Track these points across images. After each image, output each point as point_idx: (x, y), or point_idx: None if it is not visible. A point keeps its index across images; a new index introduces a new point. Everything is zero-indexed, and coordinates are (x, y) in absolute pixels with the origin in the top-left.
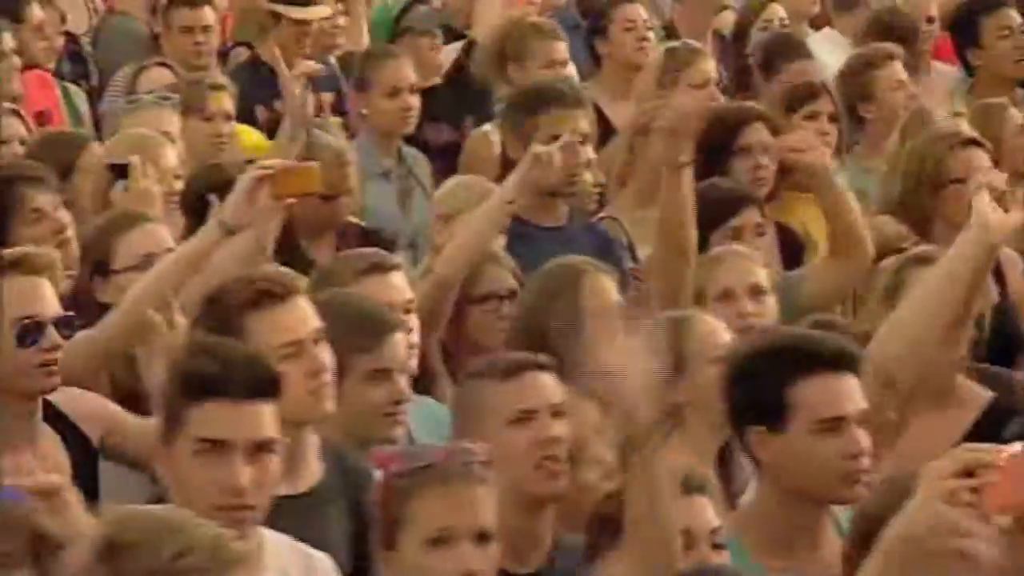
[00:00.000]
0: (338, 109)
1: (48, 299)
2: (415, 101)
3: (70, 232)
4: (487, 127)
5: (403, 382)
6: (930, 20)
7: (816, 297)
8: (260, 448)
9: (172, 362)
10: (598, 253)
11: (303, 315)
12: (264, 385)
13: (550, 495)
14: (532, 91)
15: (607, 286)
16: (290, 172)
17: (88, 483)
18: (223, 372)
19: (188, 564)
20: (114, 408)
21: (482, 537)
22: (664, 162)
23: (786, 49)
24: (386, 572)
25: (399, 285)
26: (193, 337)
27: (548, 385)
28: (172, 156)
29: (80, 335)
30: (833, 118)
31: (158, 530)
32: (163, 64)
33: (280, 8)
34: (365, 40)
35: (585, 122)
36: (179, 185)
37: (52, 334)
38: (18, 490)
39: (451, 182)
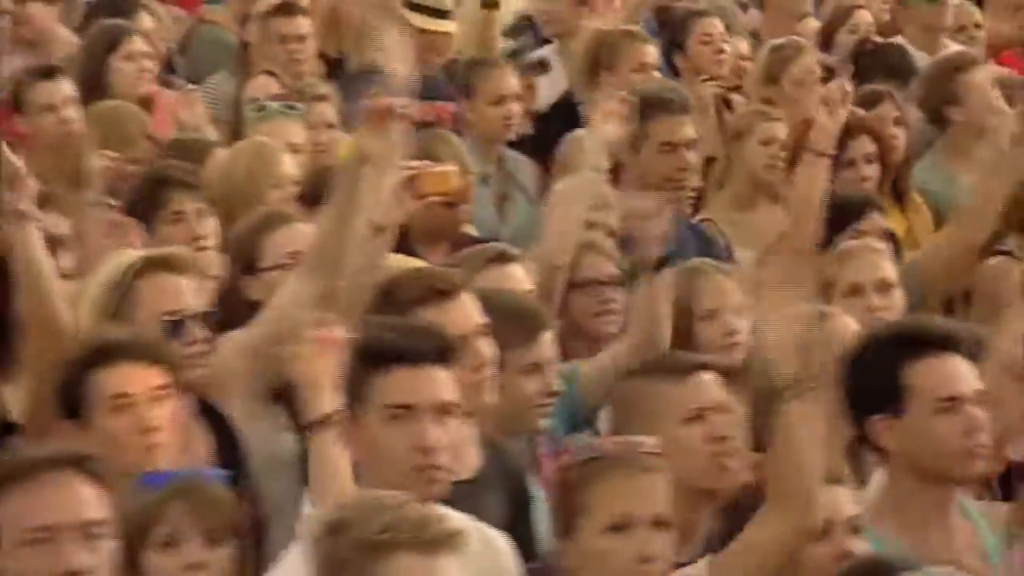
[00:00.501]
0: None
1: (190, 296)
2: (518, 109)
3: (209, 241)
4: (580, 132)
5: (553, 375)
6: (977, 26)
7: (930, 270)
8: (444, 410)
9: (354, 341)
10: (701, 252)
11: (469, 311)
12: (443, 352)
13: (723, 488)
14: (642, 98)
15: (729, 286)
16: (432, 172)
17: (237, 473)
18: (405, 341)
19: (392, 539)
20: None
21: (660, 523)
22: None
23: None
24: (565, 560)
25: (519, 276)
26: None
27: (715, 384)
28: (289, 163)
29: (234, 334)
30: (899, 122)
31: (371, 508)
32: (268, 73)
33: (417, 18)
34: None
35: (692, 128)
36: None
37: (194, 328)
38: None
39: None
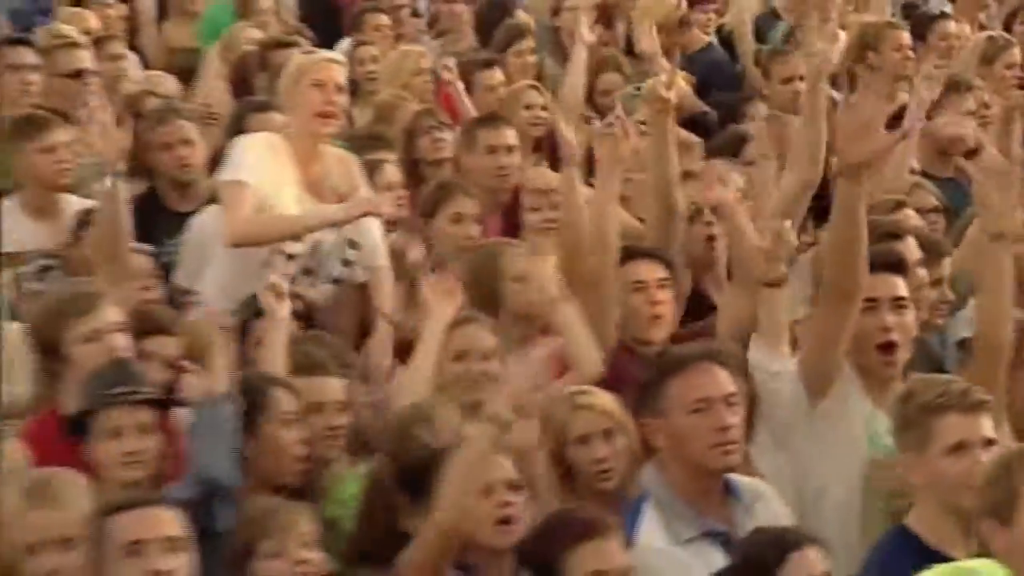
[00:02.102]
0: None
1: None
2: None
3: None
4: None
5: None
6: None
7: None
8: (899, 304)
9: None
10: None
11: (913, 249)
12: (897, 264)
13: None
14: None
15: None
16: None
17: None
18: (875, 255)
19: (945, 402)
20: None
21: None
22: None
23: None
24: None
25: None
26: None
27: None
28: None
29: None
30: None
31: (929, 382)
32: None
33: None
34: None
35: (973, 103)
36: None
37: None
38: None
39: None
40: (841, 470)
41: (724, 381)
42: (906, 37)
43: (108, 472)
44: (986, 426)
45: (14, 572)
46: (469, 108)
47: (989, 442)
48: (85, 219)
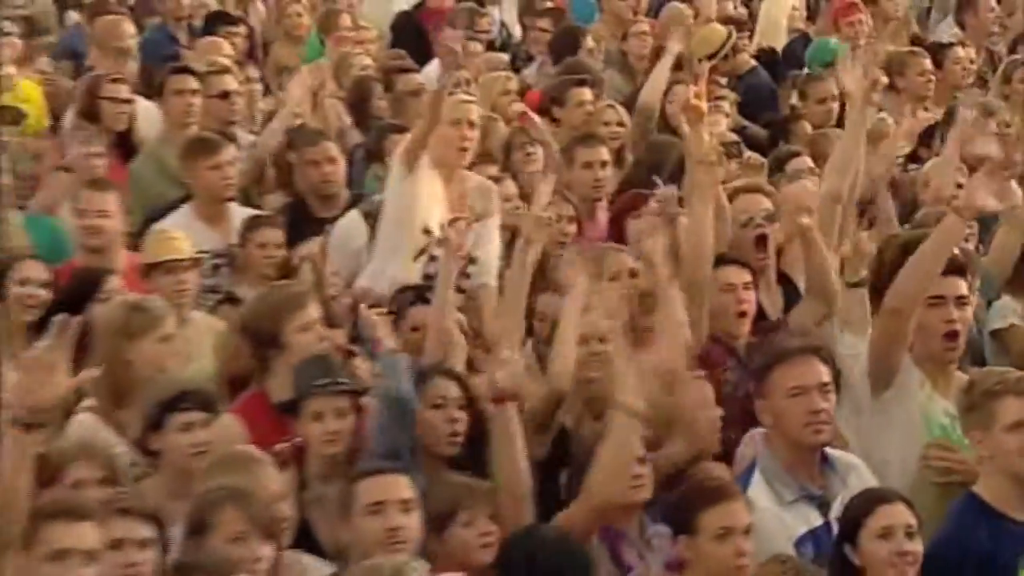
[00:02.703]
0: None
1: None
2: (836, 108)
3: None
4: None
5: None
6: None
7: None
8: (962, 301)
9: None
10: None
11: None
12: (960, 268)
13: None
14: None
15: None
16: None
17: None
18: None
19: (1003, 388)
20: None
21: None
22: None
23: None
24: None
25: None
26: None
27: None
28: None
29: None
30: None
31: (988, 374)
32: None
33: None
34: None
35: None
36: None
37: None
38: None
39: None
40: (901, 447)
41: (820, 372)
42: (928, 63)
43: (313, 448)
44: None
45: None
46: (545, 135)
47: None
48: (250, 224)
